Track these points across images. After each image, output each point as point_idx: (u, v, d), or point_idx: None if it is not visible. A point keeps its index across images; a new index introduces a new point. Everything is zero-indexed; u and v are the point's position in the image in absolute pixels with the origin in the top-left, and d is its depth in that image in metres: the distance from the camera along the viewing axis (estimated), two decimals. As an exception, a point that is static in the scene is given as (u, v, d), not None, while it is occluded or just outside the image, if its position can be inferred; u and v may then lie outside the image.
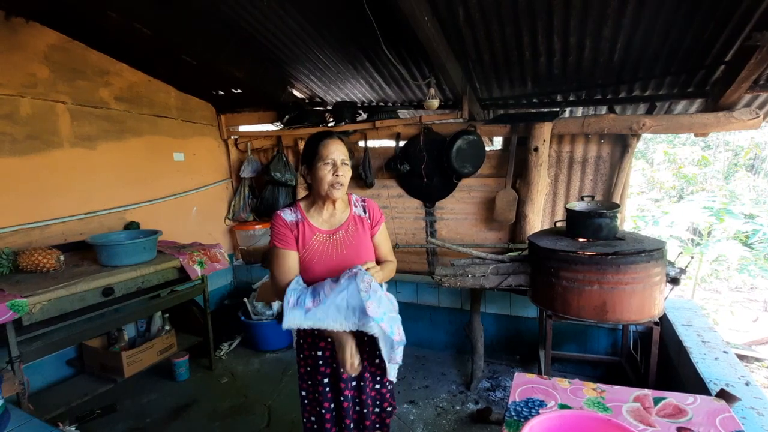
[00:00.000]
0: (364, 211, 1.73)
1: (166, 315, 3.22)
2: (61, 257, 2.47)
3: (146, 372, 2.91)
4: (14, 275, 2.36)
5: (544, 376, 1.54)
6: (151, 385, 3.09)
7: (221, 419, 2.71)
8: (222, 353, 3.56)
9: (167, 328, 3.16)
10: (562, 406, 1.35)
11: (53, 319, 2.20)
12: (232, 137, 4.17)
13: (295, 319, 1.46)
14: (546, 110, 3.22)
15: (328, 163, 1.58)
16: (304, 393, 1.74)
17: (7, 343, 2.05)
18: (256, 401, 2.89)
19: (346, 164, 1.62)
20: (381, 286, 1.59)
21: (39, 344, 2.20)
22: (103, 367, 2.82)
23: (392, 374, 1.55)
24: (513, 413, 1.32)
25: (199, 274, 2.86)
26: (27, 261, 2.36)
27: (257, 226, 4.13)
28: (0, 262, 2.35)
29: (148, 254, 2.69)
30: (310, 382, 1.71)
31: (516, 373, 1.57)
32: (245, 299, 3.71)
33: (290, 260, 1.62)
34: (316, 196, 1.65)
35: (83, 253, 2.79)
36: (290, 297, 1.50)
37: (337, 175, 1.58)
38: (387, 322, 1.45)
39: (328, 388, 1.67)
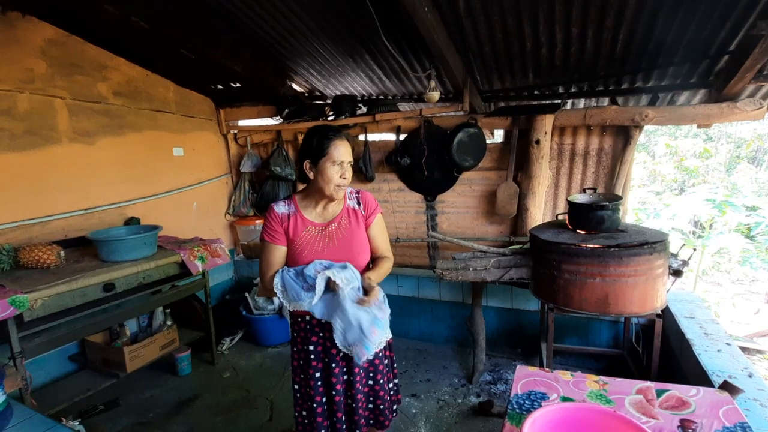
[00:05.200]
0: (359, 203, 1.72)
1: (168, 310, 3.22)
2: (62, 253, 2.46)
3: (148, 367, 2.92)
4: (15, 271, 2.35)
5: (547, 369, 1.54)
6: (153, 380, 3.10)
7: (223, 413, 2.72)
8: (224, 348, 3.57)
9: (169, 323, 3.16)
10: (565, 399, 1.35)
11: (55, 314, 2.20)
12: (231, 132, 4.15)
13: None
14: (548, 102, 3.19)
15: (337, 164, 1.59)
16: (296, 387, 1.76)
17: (8, 338, 2.05)
18: (258, 395, 2.90)
19: (351, 165, 1.65)
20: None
21: (41, 340, 2.21)
22: (106, 362, 2.82)
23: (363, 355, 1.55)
24: (515, 406, 1.32)
25: (200, 269, 2.86)
26: (27, 257, 2.35)
27: (258, 221, 4.11)
28: (0, 258, 2.35)
29: (148, 250, 2.69)
30: (302, 376, 1.73)
31: (518, 366, 1.56)
32: (246, 294, 3.71)
33: (276, 254, 1.64)
34: (316, 192, 1.65)
35: (84, 248, 2.78)
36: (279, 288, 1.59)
37: (344, 177, 1.60)
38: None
39: (320, 383, 1.68)
